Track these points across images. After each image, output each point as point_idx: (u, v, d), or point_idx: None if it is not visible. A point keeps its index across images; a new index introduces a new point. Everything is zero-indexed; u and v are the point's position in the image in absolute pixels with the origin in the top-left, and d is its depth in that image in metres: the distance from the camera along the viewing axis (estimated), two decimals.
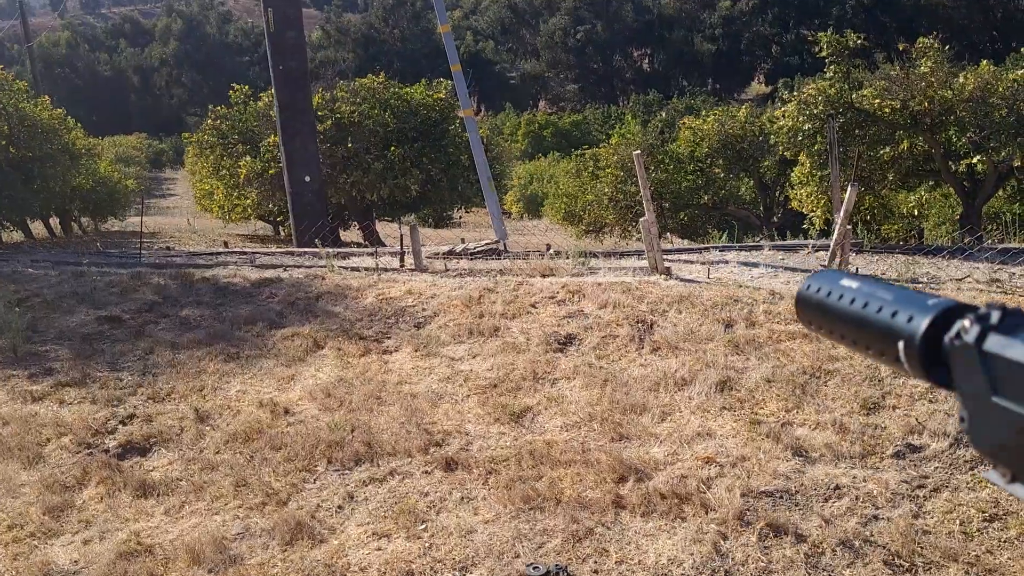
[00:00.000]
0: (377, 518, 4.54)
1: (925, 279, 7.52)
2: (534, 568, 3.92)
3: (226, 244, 15.48)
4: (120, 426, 5.91)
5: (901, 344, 0.67)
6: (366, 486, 4.90)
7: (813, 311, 0.79)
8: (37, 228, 21.08)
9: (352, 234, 22.37)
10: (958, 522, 4.06)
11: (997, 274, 7.48)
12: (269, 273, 9.37)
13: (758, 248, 9.70)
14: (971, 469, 4.47)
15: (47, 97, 20.51)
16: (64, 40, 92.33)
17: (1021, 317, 0.61)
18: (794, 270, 8.25)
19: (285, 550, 4.32)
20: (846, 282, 0.77)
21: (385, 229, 22.44)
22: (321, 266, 9.77)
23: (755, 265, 8.59)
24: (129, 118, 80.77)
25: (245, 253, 11.59)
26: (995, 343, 0.60)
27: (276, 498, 4.83)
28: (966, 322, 0.62)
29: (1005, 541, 3.89)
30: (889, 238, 13.65)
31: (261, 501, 4.81)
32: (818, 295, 0.78)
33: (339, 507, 4.72)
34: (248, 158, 19.62)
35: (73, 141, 21.09)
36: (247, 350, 7.07)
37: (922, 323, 0.66)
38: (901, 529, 3.97)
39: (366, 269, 9.52)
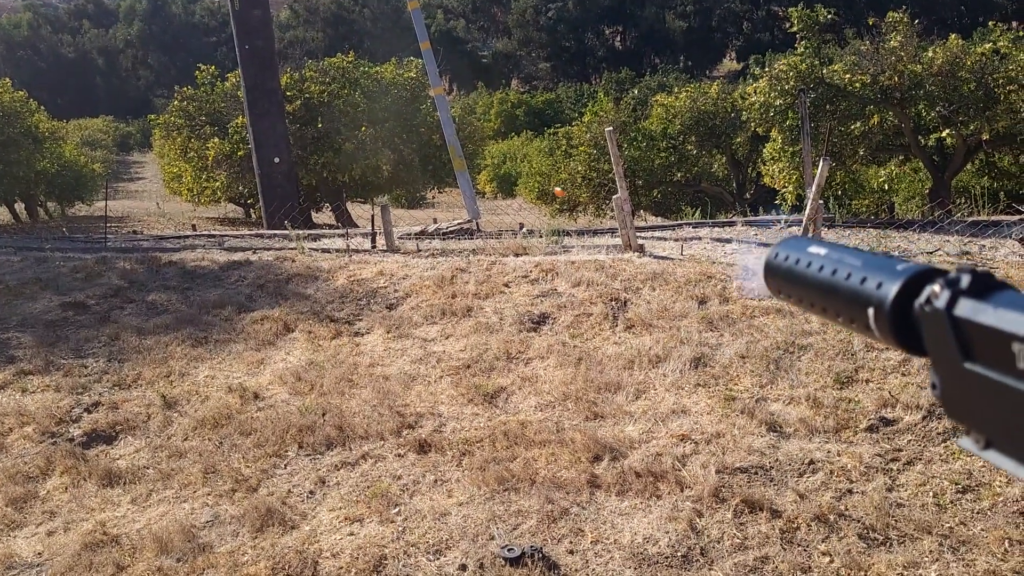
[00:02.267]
0: (349, 503, 4.47)
1: (897, 252, 7.53)
2: (509, 550, 3.88)
3: (194, 227, 15.26)
4: (85, 414, 5.79)
5: (871, 311, 0.65)
6: (338, 470, 4.83)
7: (781, 279, 0.77)
8: (2, 213, 20.70)
9: (324, 216, 22.15)
10: (931, 494, 4.06)
11: (967, 246, 7.51)
12: (238, 256, 9.22)
13: (731, 224, 9.68)
14: (944, 441, 4.48)
15: (8, 80, 20.08)
16: (25, 21, 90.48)
17: (991, 280, 0.59)
18: (767, 246, 8.19)
19: (255, 537, 4.24)
20: (814, 249, 0.74)
21: (357, 211, 22.25)
22: (291, 248, 9.63)
23: (728, 241, 8.58)
24: (95, 101, 79.36)
25: (213, 236, 11.41)
26: (965, 308, 0.58)
27: (246, 484, 4.74)
28: (936, 287, 0.60)
29: (978, 512, 3.89)
30: (860, 213, 13.71)
31: (231, 488, 4.73)
32: (786, 263, 0.76)
33: (310, 492, 4.64)
34: (216, 140, 19.35)
35: (36, 124, 20.71)
36: (215, 334, 6.95)
37: (891, 289, 0.64)
38: (875, 503, 3.97)
39: (337, 251, 9.40)
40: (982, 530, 3.75)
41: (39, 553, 4.28)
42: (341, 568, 3.90)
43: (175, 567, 4.03)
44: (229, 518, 4.44)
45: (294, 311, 7.28)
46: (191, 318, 7.32)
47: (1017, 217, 8.31)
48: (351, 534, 4.18)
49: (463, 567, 3.82)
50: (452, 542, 4.03)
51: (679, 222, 10.81)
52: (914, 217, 9.44)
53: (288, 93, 18.67)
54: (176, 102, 21.41)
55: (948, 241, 7.81)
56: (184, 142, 21.15)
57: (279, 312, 7.25)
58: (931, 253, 7.38)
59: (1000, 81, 11.33)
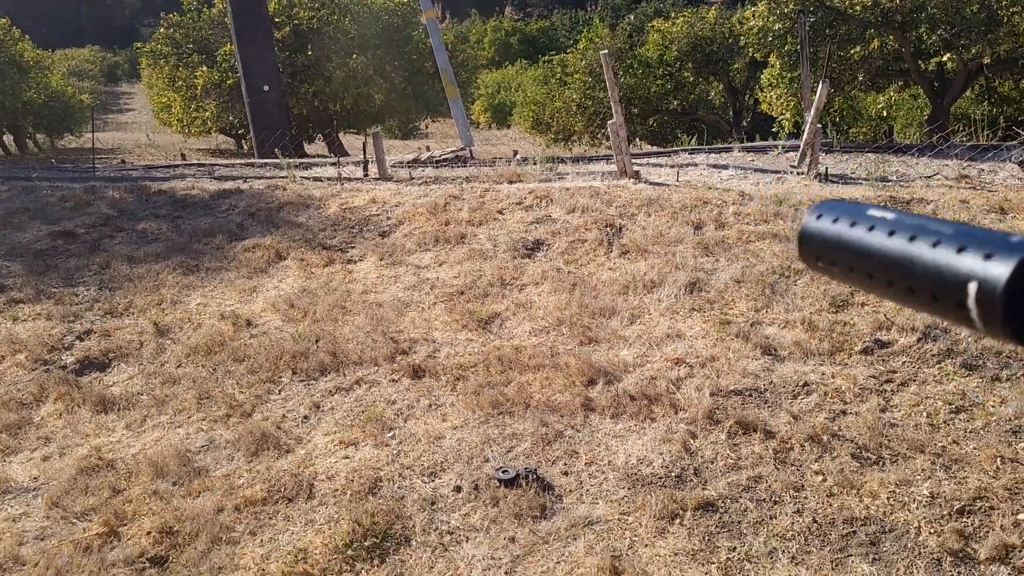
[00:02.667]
0: (344, 427, 4.48)
1: (895, 177, 7.45)
2: (503, 472, 3.89)
3: (183, 156, 15.05)
4: (77, 342, 5.76)
5: (972, 287, 0.52)
6: (332, 396, 4.82)
7: (826, 245, 0.63)
8: None
9: (317, 148, 21.88)
10: (925, 414, 4.07)
11: (966, 170, 7.42)
12: (228, 185, 9.10)
13: (727, 150, 9.56)
14: (939, 363, 4.47)
15: None
16: None
17: None
18: (764, 171, 8.14)
19: (251, 461, 4.25)
20: (877, 212, 0.61)
21: (350, 141, 21.97)
22: (282, 177, 9.50)
23: (724, 167, 8.47)
24: (80, 30, 77.69)
25: (203, 165, 11.25)
26: None
27: (240, 410, 4.74)
28: None
29: (971, 432, 3.91)
30: (858, 140, 13.55)
31: (225, 413, 4.73)
32: (835, 226, 0.62)
33: (305, 417, 4.64)
34: (204, 68, 18.99)
35: (21, 53, 20.29)
36: (207, 262, 6.89)
37: (1009, 264, 0.51)
38: (868, 423, 3.97)
39: (328, 179, 9.28)
40: (974, 449, 3.77)
41: (35, 477, 4.29)
42: (336, 490, 3.91)
43: (171, 490, 4.04)
44: (224, 443, 4.45)
45: (286, 239, 7.21)
46: (182, 246, 7.24)
47: (1017, 140, 8.20)
48: (346, 457, 4.20)
49: (458, 488, 3.84)
50: (447, 465, 4.05)
51: (675, 148, 10.67)
52: (913, 143, 9.31)
53: (276, 19, 18.25)
54: (162, 29, 20.94)
55: (947, 165, 7.72)
56: (172, 71, 20.75)
57: (271, 240, 7.17)
58: (929, 177, 7.30)
59: (1004, 3, 11.06)
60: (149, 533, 3.71)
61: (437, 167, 9.97)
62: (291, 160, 10.06)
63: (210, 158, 17.01)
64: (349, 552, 3.46)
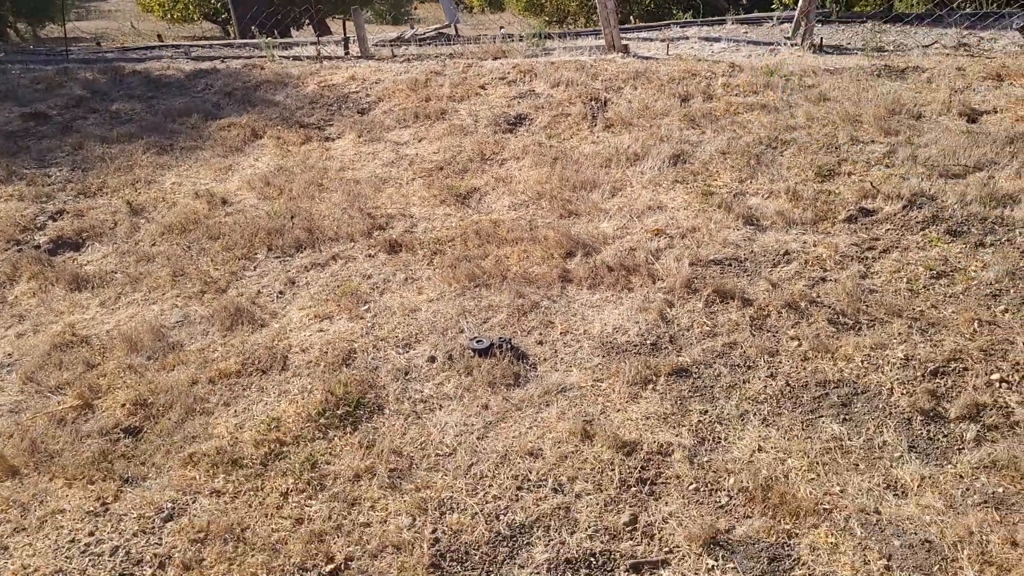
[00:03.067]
0: (319, 302, 4.43)
1: (891, 47, 7.19)
2: (478, 341, 3.86)
3: (160, 37, 14.57)
4: (50, 222, 5.65)
5: None
6: (308, 271, 4.76)
7: None
8: None
9: (306, 35, 21.21)
10: (905, 280, 4.01)
11: (966, 39, 7.15)
12: (205, 65, 8.81)
13: (720, 23, 9.22)
14: (923, 229, 4.38)
15: None
16: None
17: None
18: (757, 43, 7.86)
19: (225, 335, 4.21)
20: None
21: (341, 29, 21.27)
22: (261, 56, 9.20)
23: (716, 40, 8.18)
24: None
25: (180, 46, 10.89)
26: None
27: (215, 286, 4.68)
28: None
29: (950, 296, 3.85)
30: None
31: (200, 290, 4.67)
32: None
33: (280, 292, 4.59)
34: None
35: None
36: (182, 142, 6.71)
37: None
38: (848, 289, 3.92)
39: (308, 58, 8.99)
40: (953, 312, 3.72)
41: (9, 354, 4.26)
42: (310, 362, 3.89)
43: (146, 364, 4.02)
44: (199, 318, 4.41)
45: (262, 118, 7.01)
46: (156, 126, 7.05)
47: (1019, 4, 7.87)
48: (321, 331, 4.16)
49: (432, 359, 3.81)
50: (421, 336, 4.01)
51: (666, 22, 10.31)
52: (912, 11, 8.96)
53: None
54: None
55: (946, 34, 7.44)
56: None
57: (247, 119, 6.98)
58: (927, 46, 7.04)
59: None
60: (124, 405, 3.70)
61: (420, 45, 9.64)
62: (270, 39, 9.73)
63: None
64: (322, 420, 3.45)
